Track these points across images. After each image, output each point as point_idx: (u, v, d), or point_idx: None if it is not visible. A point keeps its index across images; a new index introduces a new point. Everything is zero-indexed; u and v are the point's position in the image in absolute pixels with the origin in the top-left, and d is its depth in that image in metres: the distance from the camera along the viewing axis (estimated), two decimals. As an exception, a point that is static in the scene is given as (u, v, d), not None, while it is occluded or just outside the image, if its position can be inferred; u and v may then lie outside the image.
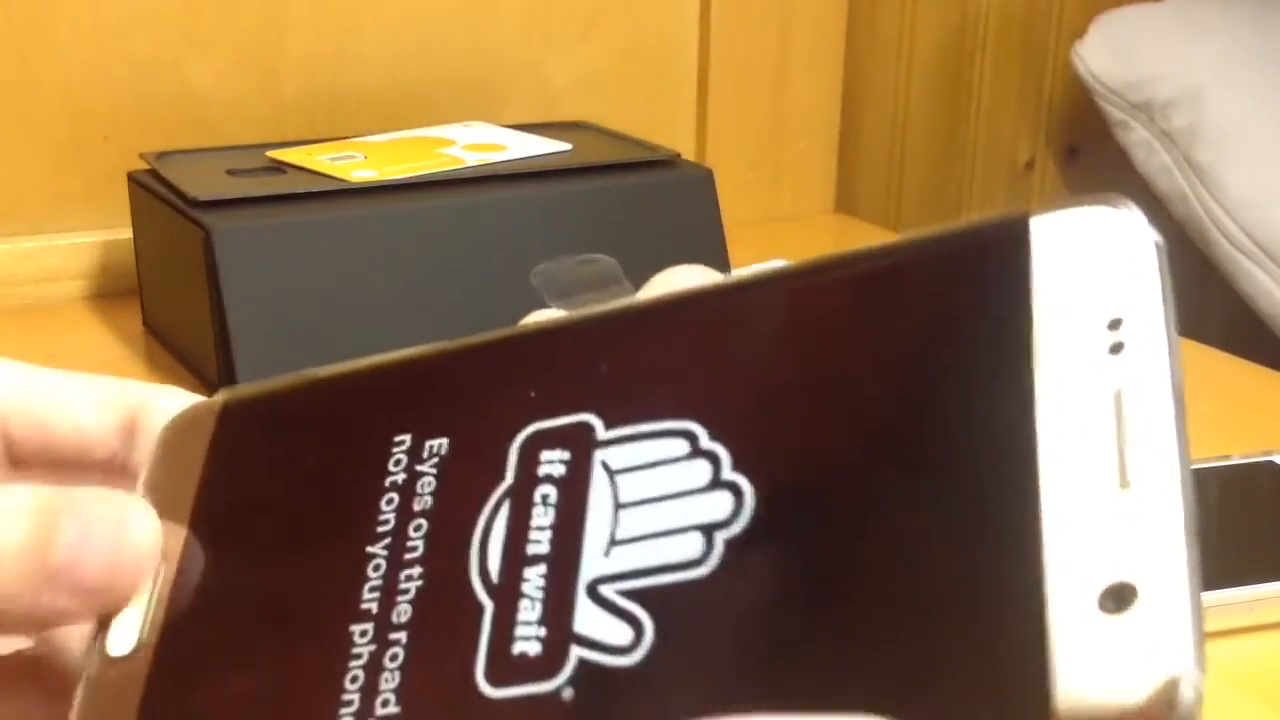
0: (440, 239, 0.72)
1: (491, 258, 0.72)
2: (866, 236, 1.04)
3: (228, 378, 0.67)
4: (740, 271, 0.25)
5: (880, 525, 0.20)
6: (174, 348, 0.76)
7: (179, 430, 0.28)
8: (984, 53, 1.11)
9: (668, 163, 0.81)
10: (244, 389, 0.28)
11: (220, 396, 0.28)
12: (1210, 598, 0.43)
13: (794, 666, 0.20)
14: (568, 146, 0.81)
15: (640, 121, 0.93)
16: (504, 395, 0.25)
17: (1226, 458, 0.52)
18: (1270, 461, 0.52)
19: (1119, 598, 0.18)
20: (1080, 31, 1.10)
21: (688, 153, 0.98)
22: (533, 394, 0.25)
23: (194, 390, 0.26)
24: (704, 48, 1.00)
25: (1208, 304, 1.07)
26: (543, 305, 0.73)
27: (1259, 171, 1.02)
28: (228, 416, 0.27)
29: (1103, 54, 1.08)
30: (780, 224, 1.02)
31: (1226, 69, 1.06)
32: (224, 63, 0.86)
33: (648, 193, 0.78)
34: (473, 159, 0.78)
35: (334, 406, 0.27)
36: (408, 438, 0.25)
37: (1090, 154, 1.17)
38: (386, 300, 0.70)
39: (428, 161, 0.77)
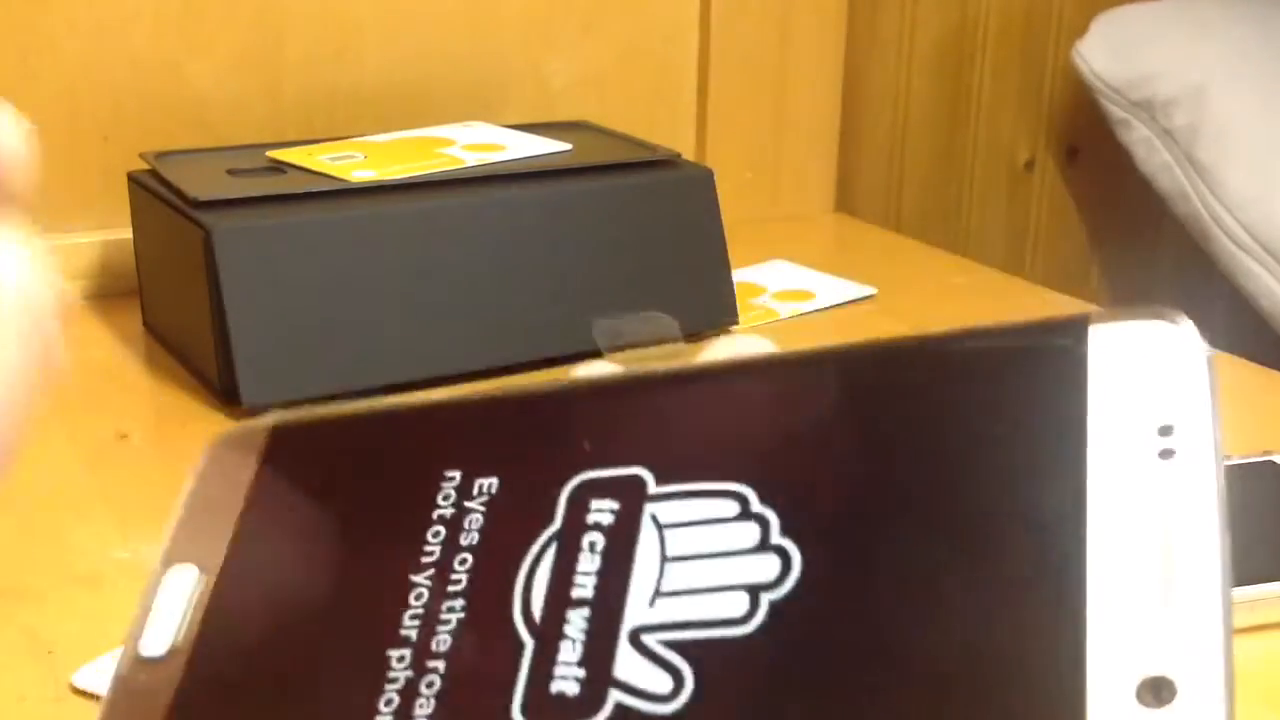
0: (440, 239, 0.72)
1: (491, 258, 0.72)
2: (866, 236, 1.04)
3: (228, 378, 0.67)
4: (799, 348, 0.26)
5: (925, 607, 0.21)
6: (174, 348, 0.76)
7: (227, 446, 0.28)
8: (984, 53, 1.11)
9: (668, 163, 0.81)
10: (295, 414, 0.28)
11: (270, 419, 0.28)
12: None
13: None
14: (568, 146, 0.81)
15: (640, 121, 0.93)
16: (558, 443, 0.26)
17: (1226, 458, 0.52)
18: (1270, 461, 0.52)
19: (1157, 692, 0.19)
20: (1080, 31, 1.10)
21: (688, 153, 0.98)
22: (587, 444, 0.25)
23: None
24: (704, 48, 1.00)
25: (1208, 303, 1.07)
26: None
27: (1260, 169, 1.02)
28: (278, 439, 0.28)
29: (1104, 52, 1.08)
30: (780, 224, 1.02)
31: (1228, 67, 1.06)
32: (224, 63, 0.86)
33: (648, 193, 0.78)
34: (473, 159, 0.78)
35: (386, 438, 0.28)
36: (458, 474, 0.26)
37: (1090, 154, 1.17)
38: (386, 300, 0.70)
39: (428, 161, 0.77)
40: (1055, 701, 0.19)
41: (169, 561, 0.27)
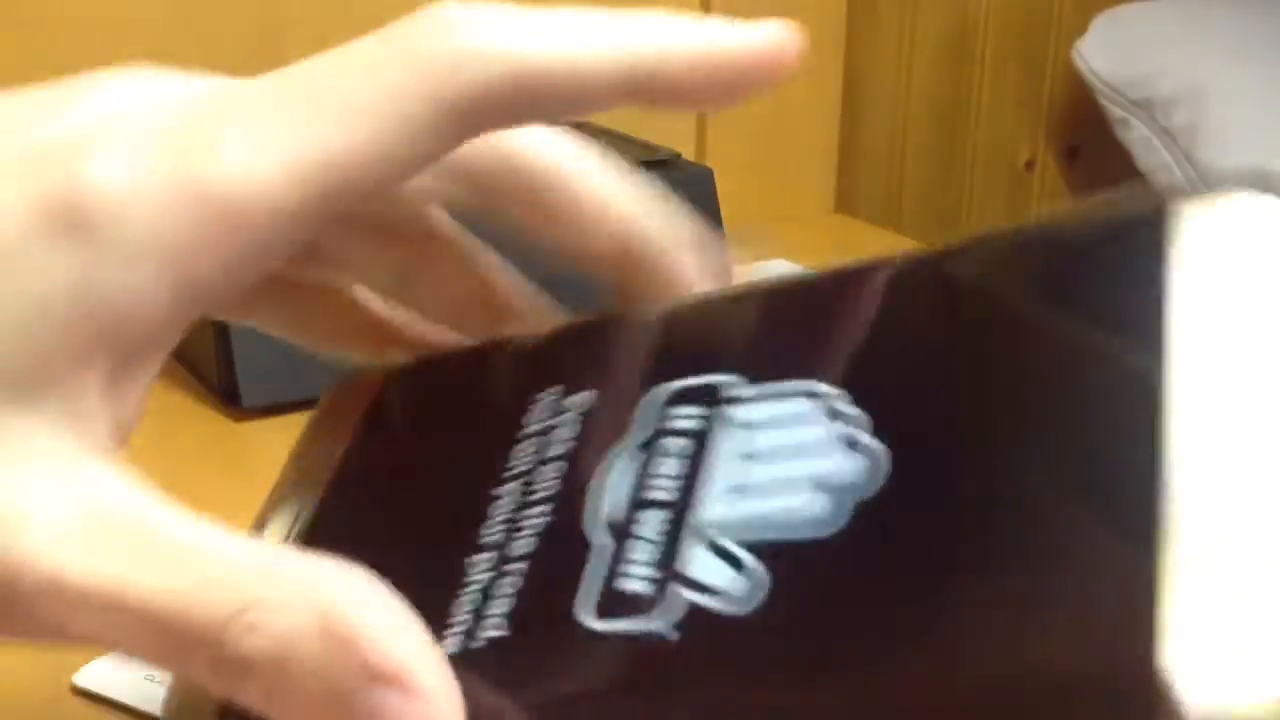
0: (440, 239, 0.72)
1: (491, 258, 0.72)
2: (866, 237, 1.04)
3: (228, 379, 0.67)
4: (875, 256, 0.25)
5: (1008, 503, 0.20)
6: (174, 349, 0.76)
7: (342, 391, 0.29)
8: (984, 53, 1.11)
9: (668, 163, 0.81)
10: (416, 359, 0.29)
11: (389, 364, 0.30)
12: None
13: (905, 640, 0.19)
14: (567, 147, 0.80)
15: (640, 121, 0.93)
16: (645, 357, 0.25)
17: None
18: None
19: (1242, 591, 0.17)
20: (1080, 31, 1.10)
21: (688, 153, 0.98)
22: (676, 356, 0.25)
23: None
24: (704, 48, 1.00)
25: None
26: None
27: (1260, 169, 1.02)
28: (392, 380, 0.29)
29: (1103, 51, 1.08)
30: (780, 224, 1.02)
31: (1228, 66, 1.06)
32: (224, 64, 0.86)
33: (648, 193, 0.78)
34: (472, 159, 0.78)
35: (486, 368, 0.28)
36: (547, 394, 0.26)
37: (1090, 154, 1.17)
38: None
39: (427, 162, 0.77)
40: (1137, 601, 0.18)
41: (271, 509, 0.28)
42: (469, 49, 0.24)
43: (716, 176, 0.79)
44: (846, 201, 1.08)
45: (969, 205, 1.14)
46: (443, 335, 0.31)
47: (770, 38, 0.26)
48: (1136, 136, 1.07)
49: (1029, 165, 1.16)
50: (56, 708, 0.42)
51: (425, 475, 0.26)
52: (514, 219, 0.29)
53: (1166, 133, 1.06)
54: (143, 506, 0.23)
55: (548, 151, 0.29)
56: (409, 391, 0.29)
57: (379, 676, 0.20)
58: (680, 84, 0.25)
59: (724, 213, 0.79)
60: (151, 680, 0.40)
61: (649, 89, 0.25)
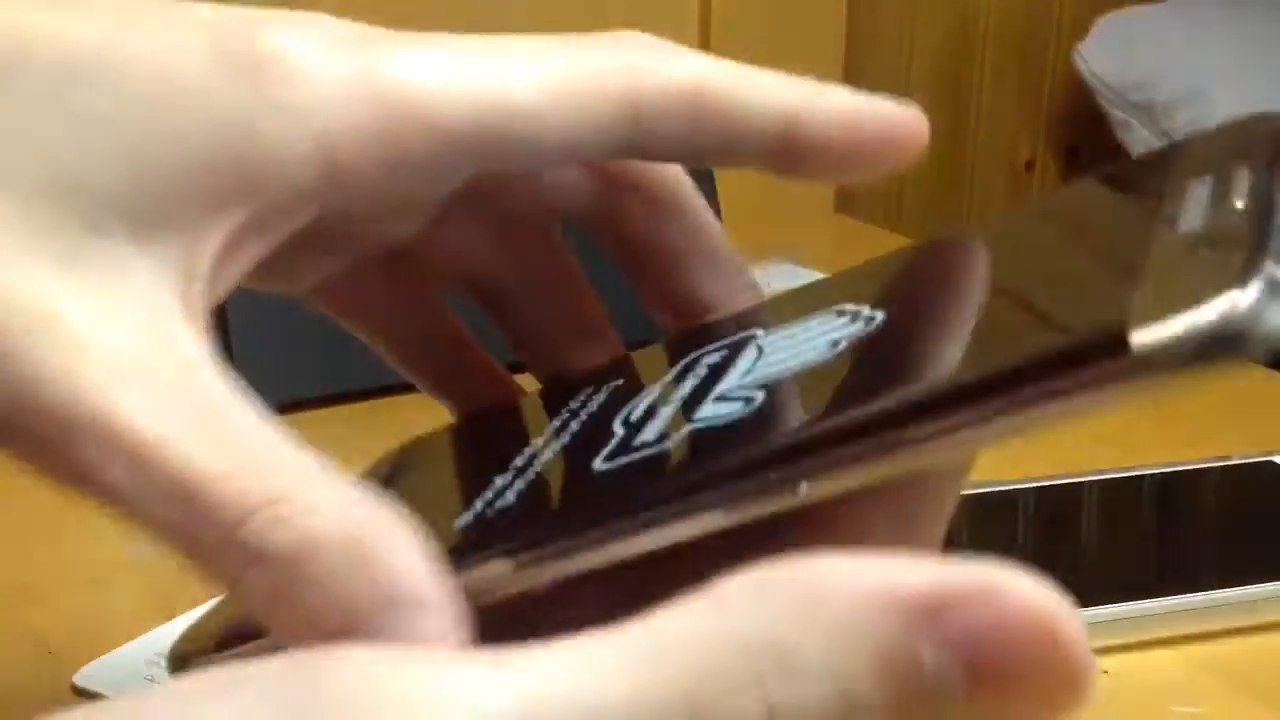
0: (440, 239, 0.72)
1: (492, 258, 0.72)
2: (866, 237, 1.04)
3: (228, 378, 0.67)
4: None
5: (986, 342, 0.22)
6: (174, 348, 0.76)
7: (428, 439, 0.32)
8: (984, 53, 1.11)
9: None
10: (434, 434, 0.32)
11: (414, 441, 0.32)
12: (1210, 598, 0.43)
13: (880, 419, 0.21)
14: (568, 147, 0.80)
15: (640, 122, 0.93)
16: (678, 348, 0.28)
17: (1226, 458, 0.52)
18: (1270, 461, 0.52)
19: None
20: (1080, 32, 1.10)
21: (688, 153, 0.98)
22: (705, 333, 0.28)
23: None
24: (704, 48, 1.00)
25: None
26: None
27: (1259, 171, 1.02)
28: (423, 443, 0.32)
29: (1105, 54, 1.08)
30: (780, 224, 1.02)
31: (1228, 69, 1.06)
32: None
33: (648, 193, 0.78)
34: (473, 159, 0.78)
35: (513, 410, 0.31)
36: (592, 385, 0.28)
37: (1090, 154, 1.17)
38: (387, 300, 0.70)
39: (428, 162, 0.77)
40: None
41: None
42: (656, 64, 0.27)
43: (716, 176, 0.79)
44: (846, 201, 1.08)
45: (969, 205, 1.14)
46: (506, 379, 0.32)
47: (908, 114, 0.28)
48: (1137, 138, 1.08)
49: (1029, 165, 1.16)
50: (56, 708, 0.42)
51: (485, 440, 0.29)
52: (624, 237, 0.30)
53: (1167, 135, 1.06)
54: (212, 378, 0.23)
55: (689, 188, 0.31)
56: (492, 418, 0.31)
57: (397, 599, 0.20)
58: (823, 142, 0.26)
59: (724, 213, 0.79)
60: (152, 680, 0.40)
61: (793, 142, 0.26)
